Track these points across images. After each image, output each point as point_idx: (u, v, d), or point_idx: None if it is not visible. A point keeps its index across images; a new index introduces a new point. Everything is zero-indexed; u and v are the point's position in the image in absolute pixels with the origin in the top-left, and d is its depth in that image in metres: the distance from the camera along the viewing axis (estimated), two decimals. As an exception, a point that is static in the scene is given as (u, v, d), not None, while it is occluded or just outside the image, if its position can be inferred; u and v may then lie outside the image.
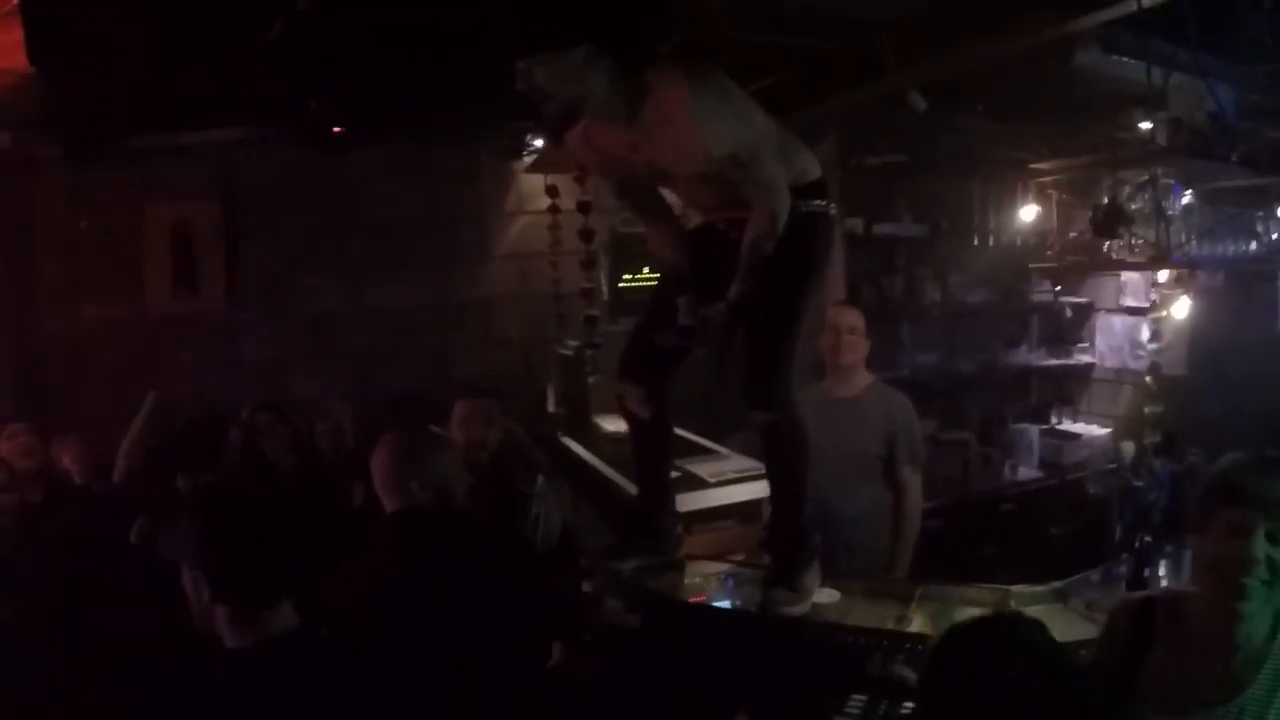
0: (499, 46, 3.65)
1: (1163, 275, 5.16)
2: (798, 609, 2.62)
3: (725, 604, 2.80)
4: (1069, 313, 6.02)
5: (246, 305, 5.32)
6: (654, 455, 3.02)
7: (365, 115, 4.51)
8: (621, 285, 5.64)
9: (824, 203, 2.67)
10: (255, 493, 2.01)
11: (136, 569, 3.17)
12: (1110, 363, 5.86)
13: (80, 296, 5.12)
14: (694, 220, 2.92)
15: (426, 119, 4.75)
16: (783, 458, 2.70)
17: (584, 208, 5.25)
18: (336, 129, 4.63)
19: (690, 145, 2.45)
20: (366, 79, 4.11)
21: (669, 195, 2.87)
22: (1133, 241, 4.76)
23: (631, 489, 3.28)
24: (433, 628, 2.35)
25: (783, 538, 2.72)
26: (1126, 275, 5.59)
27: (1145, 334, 5.29)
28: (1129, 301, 5.69)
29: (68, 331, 5.10)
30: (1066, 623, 2.60)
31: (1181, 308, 4.76)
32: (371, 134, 4.79)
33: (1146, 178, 4.50)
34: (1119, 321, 5.81)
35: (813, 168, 2.69)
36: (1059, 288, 5.94)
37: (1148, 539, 2.85)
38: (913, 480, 3.63)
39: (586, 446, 4.54)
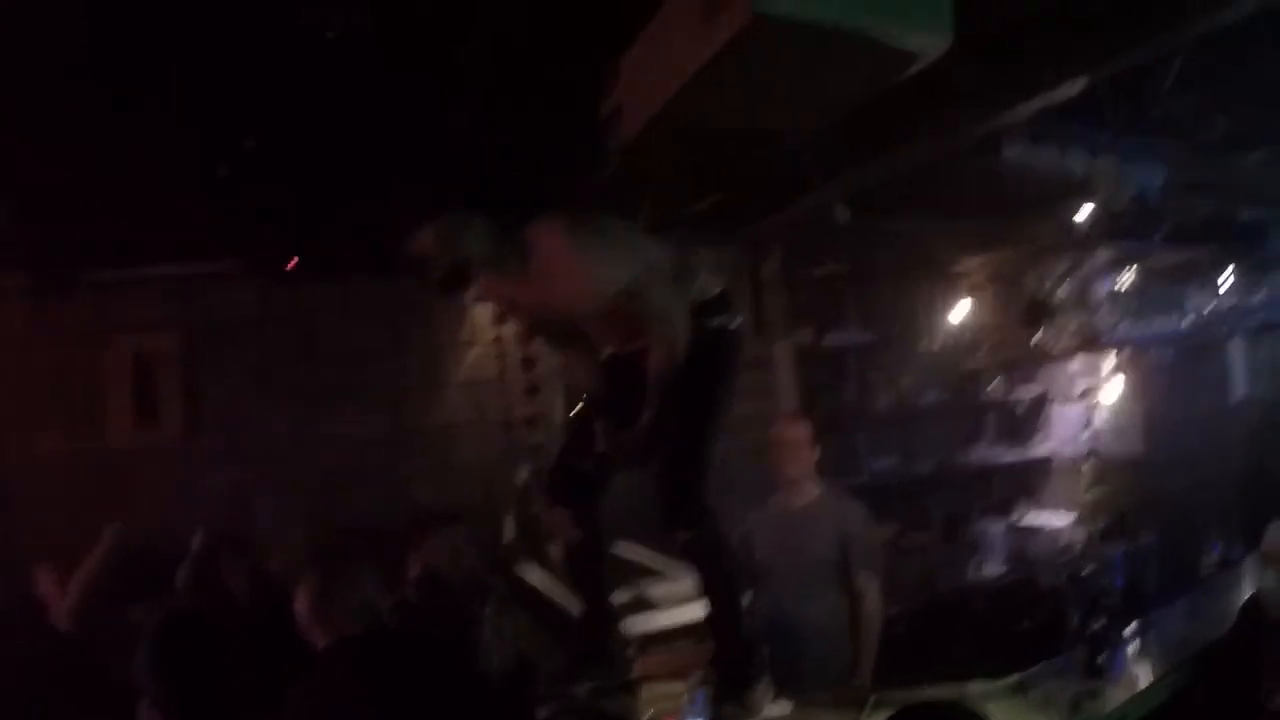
0: (439, 178, 3.82)
1: (1112, 358, 5.26)
2: (748, 724, 2.58)
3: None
4: (1021, 407, 6.07)
5: (206, 436, 5.29)
6: (590, 575, 3.03)
7: (316, 247, 4.61)
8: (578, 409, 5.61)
9: (726, 318, 2.69)
10: (212, 627, 1.98)
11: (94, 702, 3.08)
12: (1069, 451, 5.86)
13: (41, 428, 5.09)
14: (605, 352, 2.93)
15: (375, 249, 4.83)
16: (711, 572, 2.70)
17: (524, 336, 5.30)
18: (291, 262, 4.73)
19: (580, 290, 2.52)
20: (314, 212, 4.23)
21: None
22: (1066, 330, 4.84)
23: (585, 612, 3.26)
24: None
25: (728, 654, 2.69)
26: (1077, 362, 5.66)
27: (1099, 419, 5.35)
28: (1082, 387, 5.74)
29: (28, 463, 5.05)
30: (1021, 715, 2.60)
31: (1115, 389, 4.81)
32: (325, 265, 4.88)
33: (1069, 266, 4.59)
34: (1074, 409, 5.84)
35: (711, 285, 2.71)
36: (996, 381, 5.98)
37: (1099, 625, 2.84)
38: (870, 585, 3.57)
39: (543, 571, 4.50)
